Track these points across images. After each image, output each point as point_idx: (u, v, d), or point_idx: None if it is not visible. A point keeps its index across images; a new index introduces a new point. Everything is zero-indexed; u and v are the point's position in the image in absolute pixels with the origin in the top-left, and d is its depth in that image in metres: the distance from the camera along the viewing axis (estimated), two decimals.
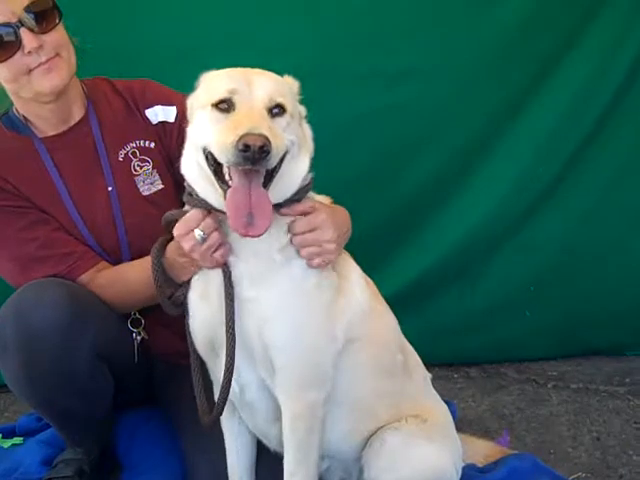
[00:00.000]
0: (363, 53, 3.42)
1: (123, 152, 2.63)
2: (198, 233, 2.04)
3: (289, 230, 2.09)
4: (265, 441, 2.32)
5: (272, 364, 2.08)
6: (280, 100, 1.97)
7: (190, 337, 2.22)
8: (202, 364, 2.25)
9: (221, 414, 2.18)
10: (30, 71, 2.39)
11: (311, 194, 2.18)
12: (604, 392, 3.52)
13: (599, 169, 3.64)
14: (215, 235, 2.04)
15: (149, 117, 2.65)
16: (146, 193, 2.64)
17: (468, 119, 3.54)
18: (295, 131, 2.03)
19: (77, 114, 2.62)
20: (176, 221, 2.12)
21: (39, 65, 2.39)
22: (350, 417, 2.25)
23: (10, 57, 2.37)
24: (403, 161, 3.57)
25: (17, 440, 3.04)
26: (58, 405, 2.43)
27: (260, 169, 1.90)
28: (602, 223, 3.69)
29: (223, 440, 2.35)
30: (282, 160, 1.98)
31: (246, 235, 1.91)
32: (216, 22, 3.30)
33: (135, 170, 2.63)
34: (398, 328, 2.37)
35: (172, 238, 2.21)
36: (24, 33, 2.35)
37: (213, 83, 2.04)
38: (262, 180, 1.93)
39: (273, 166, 1.91)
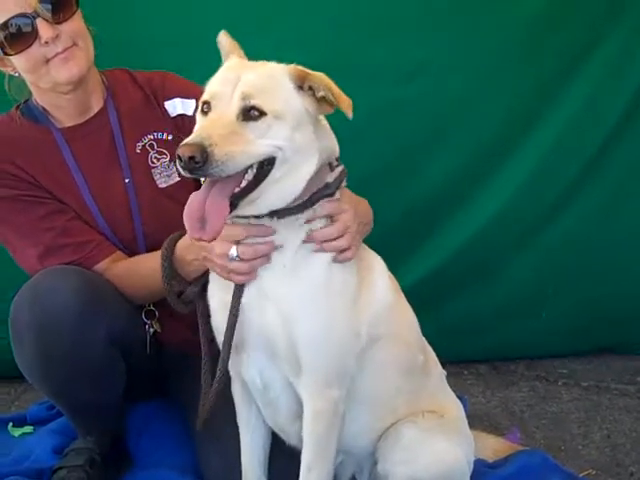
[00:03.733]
0: (377, 47, 3.40)
1: (141, 144, 2.63)
2: (232, 251, 2.04)
3: (313, 238, 2.07)
4: (284, 437, 2.31)
5: (298, 362, 2.07)
6: (255, 102, 1.88)
7: (206, 339, 2.24)
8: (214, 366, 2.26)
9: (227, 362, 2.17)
10: (48, 61, 2.40)
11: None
12: (615, 390, 3.51)
13: (618, 169, 3.62)
14: (244, 267, 2.04)
15: (168, 109, 2.66)
16: (163, 185, 2.64)
17: (485, 115, 3.52)
18: (282, 134, 1.92)
19: (96, 105, 2.62)
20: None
21: (56, 55, 2.39)
22: (369, 414, 2.25)
23: (27, 48, 2.37)
24: (418, 158, 3.55)
25: (28, 429, 3.06)
26: (71, 391, 2.43)
27: (208, 177, 1.87)
28: (617, 225, 3.67)
29: (236, 432, 2.35)
30: (270, 166, 1.93)
31: (199, 239, 1.91)
32: (229, 15, 3.27)
33: (152, 162, 2.64)
34: (418, 326, 2.37)
35: (183, 234, 2.23)
36: (40, 23, 2.35)
37: (213, 78, 2.03)
38: (230, 186, 1.90)
39: (230, 173, 1.84)
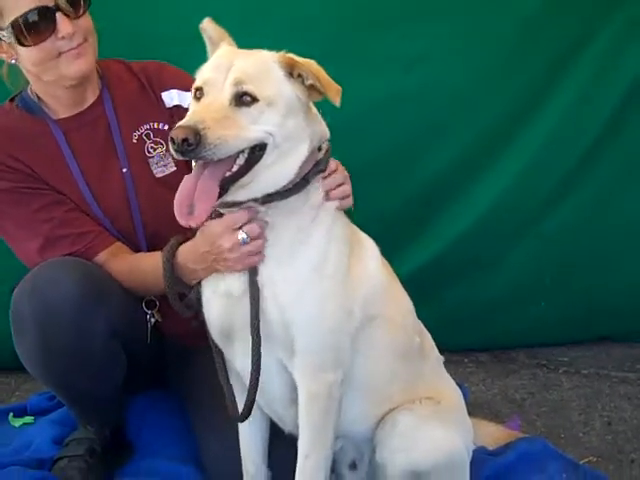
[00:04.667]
0: (378, 38, 3.39)
1: (137, 133, 2.63)
2: (242, 235, 2.06)
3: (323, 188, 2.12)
4: (280, 423, 2.31)
5: (291, 344, 2.07)
6: (248, 88, 1.91)
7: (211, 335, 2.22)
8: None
9: (249, 413, 2.19)
10: (59, 55, 2.39)
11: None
12: (615, 378, 3.51)
13: (614, 160, 3.61)
14: (258, 242, 2.07)
15: (165, 100, 2.65)
16: (159, 175, 2.64)
17: (482, 106, 3.51)
18: (274, 121, 1.95)
19: (91, 96, 2.61)
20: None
21: (69, 50, 2.39)
22: (366, 399, 2.25)
23: (43, 40, 2.36)
24: (416, 148, 3.54)
25: (28, 419, 3.06)
26: (72, 382, 2.43)
27: (200, 160, 1.89)
28: (616, 214, 3.67)
29: (236, 425, 2.34)
30: (261, 152, 1.95)
31: (186, 224, 1.93)
32: (231, 4, 3.27)
33: (149, 152, 2.63)
34: (414, 310, 2.37)
35: (184, 241, 2.24)
36: (60, 17, 2.35)
37: (206, 65, 2.05)
38: (221, 171, 1.92)
39: (222, 157, 1.87)
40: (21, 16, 2.33)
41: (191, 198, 1.91)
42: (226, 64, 1.96)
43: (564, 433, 3.04)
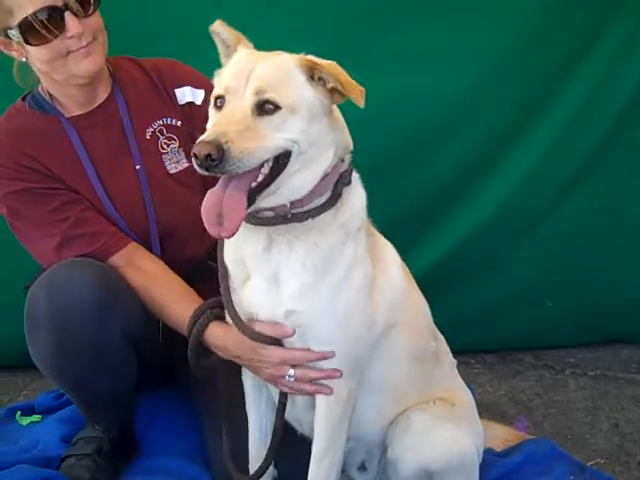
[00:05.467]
0: (385, 37, 3.37)
1: (150, 130, 2.63)
2: (289, 373, 2.11)
3: None
4: (297, 426, 2.33)
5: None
6: (270, 96, 1.87)
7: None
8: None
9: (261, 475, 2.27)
10: (68, 54, 2.39)
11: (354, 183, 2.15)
12: (622, 379, 3.50)
13: (622, 159, 3.59)
14: (298, 386, 2.13)
15: (178, 96, 2.65)
16: (173, 171, 2.64)
17: (491, 106, 3.49)
18: (297, 128, 1.91)
19: (103, 93, 2.61)
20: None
21: (79, 49, 2.39)
22: (380, 401, 2.26)
23: (52, 40, 2.36)
24: (423, 149, 3.52)
25: (36, 418, 3.06)
26: (84, 383, 2.44)
27: (223, 174, 1.86)
28: (623, 214, 3.65)
29: (243, 420, 2.35)
30: (286, 160, 1.92)
31: (217, 234, 1.91)
32: (237, 3, 3.27)
33: (162, 148, 2.63)
34: (430, 313, 2.38)
35: (221, 316, 2.23)
36: (69, 17, 2.35)
37: (225, 71, 2.02)
38: (247, 181, 1.89)
39: (247, 169, 1.84)
40: (30, 15, 2.32)
41: (219, 208, 1.88)
42: (246, 71, 1.92)
43: (571, 435, 3.04)
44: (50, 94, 2.57)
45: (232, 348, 2.21)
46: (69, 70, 2.42)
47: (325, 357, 2.07)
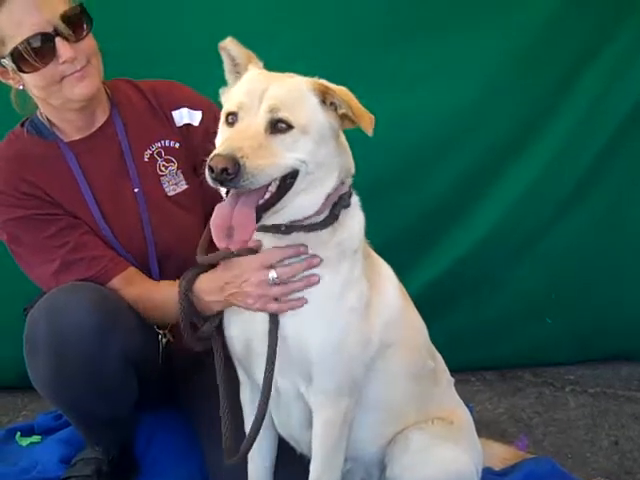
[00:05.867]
0: (386, 53, 3.39)
1: (148, 152, 2.64)
2: (272, 274, 2.08)
3: None
4: (295, 445, 2.33)
5: (309, 373, 2.09)
6: (283, 115, 1.90)
7: (221, 351, 2.23)
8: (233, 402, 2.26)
9: (250, 448, 2.19)
10: (62, 79, 2.40)
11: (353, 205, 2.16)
12: (622, 397, 3.49)
13: (621, 175, 3.60)
14: (286, 288, 2.07)
15: (175, 118, 2.66)
16: (171, 193, 2.64)
17: (490, 124, 3.51)
18: (307, 149, 1.94)
19: (101, 117, 2.62)
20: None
21: (72, 73, 2.40)
22: (378, 420, 2.26)
23: (45, 66, 2.37)
24: (422, 166, 3.53)
25: (35, 438, 3.05)
26: (84, 406, 2.44)
27: (236, 189, 1.88)
28: (623, 230, 3.66)
29: (243, 440, 2.34)
30: (292, 179, 1.94)
31: (226, 247, 1.93)
32: (238, 22, 3.26)
33: (161, 170, 2.64)
34: (427, 332, 2.38)
35: (203, 271, 2.23)
36: (60, 43, 2.35)
37: (236, 89, 2.04)
38: (256, 198, 1.91)
39: (259, 186, 1.87)
40: (20, 44, 2.34)
41: (228, 222, 1.90)
42: (259, 90, 1.94)
43: (571, 453, 3.03)
44: (49, 119, 2.58)
45: (218, 280, 2.18)
46: (65, 95, 2.43)
47: (299, 251, 2.07)
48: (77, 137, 2.60)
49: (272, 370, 2.06)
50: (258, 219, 1.93)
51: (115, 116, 2.63)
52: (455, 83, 3.44)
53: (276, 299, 2.09)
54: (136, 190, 2.60)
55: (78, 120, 2.57)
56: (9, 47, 2.36)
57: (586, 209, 3.62)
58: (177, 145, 2.65)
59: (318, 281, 2.07)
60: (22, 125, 2.62)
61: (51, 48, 2.35)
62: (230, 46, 2.12)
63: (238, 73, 2.12)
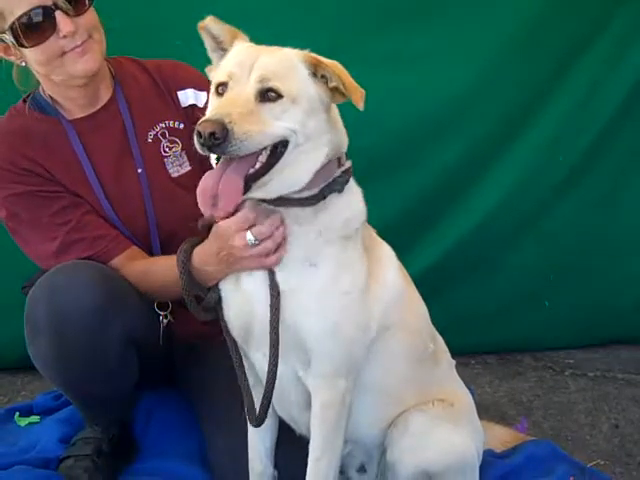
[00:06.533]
0: (381, 35, 3.38)
1: (152, 133, 2.61)
2: (249, 237, 2.06)
3: None
4: (294, 426, 2.31)
5: (306, 356, 2.08)
6: (274, 84, 1.90)
7: (227, 330, 2.20)
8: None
9: (265, 417, 2.18)
10: (63, 54, 2.38)
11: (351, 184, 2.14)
12: (622, 380, 3.50)
13: (618, 157, 3.62)
14: (268, 243, 2.05)
15: (180, 99, 2.64)
16: (175, 175, 2.63)
17: (487, 106, 3.51)
18: (297, 118, 1.93)
19: (104, 95, 2.59)
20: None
21: (73, 48, 2.37)
22: (378, 403, 2.25)
23: (44, 41, 2.34)
24: (419, 149, 3.54)
25: (34, 419, 3.05)
26: (84, 385, 2.43)
27: (226, 155, 1.88)
28: (620, 212, 3.67)
29: (243, 422, 2.32)
30: (283, 149, 1.94)
31: (210, 215, 1.95)
32: (235, 3, 3.26)
33: (164, 151, 2.62)
34: (428, 314, 2.36)
35: (199, 242, 2.22)
36: (59, 16, 2.33)
37: (225, 61, 2.04)
38: (245, 167, 1.91)
39: (247, 152, 1.86)
40: (19, 18, 2.31)
41: (215, 189, 1.90)
42: (249, 60, 1.95)
43: (571, 436, 3.04)
44: (51, 97, 2.55)
45: (211, 249, 2.17)
46: (67, 71, 2.40)
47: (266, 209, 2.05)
48: (80, 115, 2.57)
49: (277, 329, 2.04)
50: (247, 189, 1.93)
51: (119, 94, 2.60)
52: (453, 65, 3.44)
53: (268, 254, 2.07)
54: (139, 170, 2.58)
55: (81, 98, 2.54)
56: (9, 21, 2.33)
57: (584, 192, 3.63)
58: (181, 126, 2.63)
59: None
60: (24, 101, 2.59)
61: (51, 22, 2.33)
62: (211, 25, 2.12)
63: (224, 50, 2.11)
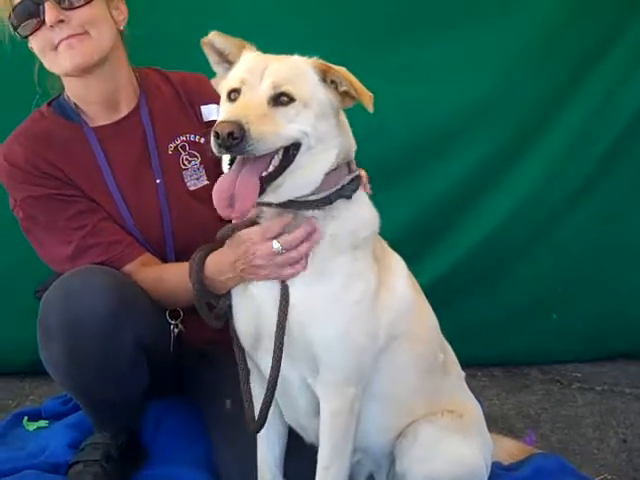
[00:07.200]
0: (394, 46, 3.41)
1: (173, 145, 2.64)
2: (276, 245, 2.08)
3: None
4: (303, 434, 2.32)
5: (315, 363, 2.09)
6: (286, 88, 1.95)
7: (236, 337, 2.21)
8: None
9: (264, 423, 2.18)
10: (57, 47, 2.41)
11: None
12: (629, 395, 3.49)
13: (628, 170, 3.62)
14: (293, 253, 2.07)
15: (203, 112, 2.66)
16: (192, 188, 2.64)
17: (499, 118, 3.52)
18: (309, 121, 1.98)
19: (128, 103, 2.62)
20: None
21: (61, 41, 2.40)
22: (387, 412, 2.25)
23: (37, 30, 2.40)
24: (432, 158, 3.55)
25: (42, 423, 3.05)
26: (95, 390, 2.44)
27: (242, 155, 1.92)
28: (630, 225, 3.67)
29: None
30: (295, 151, 1.98)
31: (227, 216, 1.97)
32: (241, 13, 3.28)
33: (184, 164, 2.64)
34: (437, 325, 2.37)
35: (212, 250, 2.23)
36: (47, 6, 2.37)
37: (235, 70, 2.08)
38: (259, 169, 1.94)
39: (263, 152, 1.91)
40: (15, 7, 2.39)
41: (231, 190, 1.93)
42: (260, 67, 1.99)
43: (578, 450, 3.03)
44: (75, 104, 2.58)
45: (227, 258, 2.17)
46: (58, 63, 2.45)
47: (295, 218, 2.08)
48: (103, 122, 2.60)
49: (283, 335, 2.04)
50: (262, 190, 1.95)
51: (143, 104, 2.63)
52: (467, 75, 3.46)
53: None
54: (158, 181, 2.61)
55: (93, 96, 2.57)
56: (9, 11, 2.41)
57: (596, 204, 3.64)
58: (202, 140, 2.64)
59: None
60: (49, 104, 2.62)
61: (39, 11, 2.37)
62: (215, 39, 2.15)
63: (229, 63, 2.15)
